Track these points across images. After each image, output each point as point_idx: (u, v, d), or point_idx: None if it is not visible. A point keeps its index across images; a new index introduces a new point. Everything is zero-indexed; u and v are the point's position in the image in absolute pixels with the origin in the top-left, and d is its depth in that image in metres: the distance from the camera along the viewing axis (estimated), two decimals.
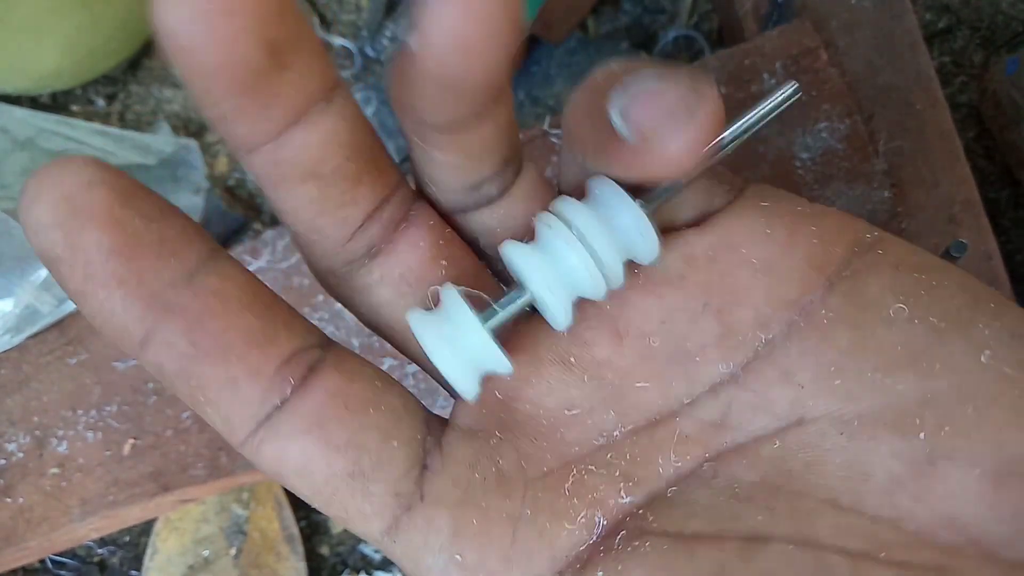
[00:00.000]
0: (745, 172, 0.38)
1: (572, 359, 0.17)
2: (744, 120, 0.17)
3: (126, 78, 0.55)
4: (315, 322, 0.41)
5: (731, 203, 0.17)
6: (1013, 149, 0.48)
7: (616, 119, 0.14)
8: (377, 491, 0.15)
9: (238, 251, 0.43)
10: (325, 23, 0.54)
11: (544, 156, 0.39)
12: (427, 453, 0.16)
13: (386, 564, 0.49)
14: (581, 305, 0.17)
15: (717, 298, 0.16)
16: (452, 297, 0.15)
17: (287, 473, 0.15)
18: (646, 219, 0.15)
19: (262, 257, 0.42)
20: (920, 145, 0.38)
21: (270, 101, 0.13)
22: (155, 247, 0.14)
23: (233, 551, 0.46)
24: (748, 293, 0.16)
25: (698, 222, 0.17)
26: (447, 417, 0.17)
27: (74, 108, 0.55)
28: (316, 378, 0.15)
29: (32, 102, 0.55)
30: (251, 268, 0.42)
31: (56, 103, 0.55)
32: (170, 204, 0.14)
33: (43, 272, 0.42)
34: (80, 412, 0.42)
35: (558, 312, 0.15)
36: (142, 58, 0.55)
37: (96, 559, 0.52)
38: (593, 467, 0.16)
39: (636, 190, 0.16)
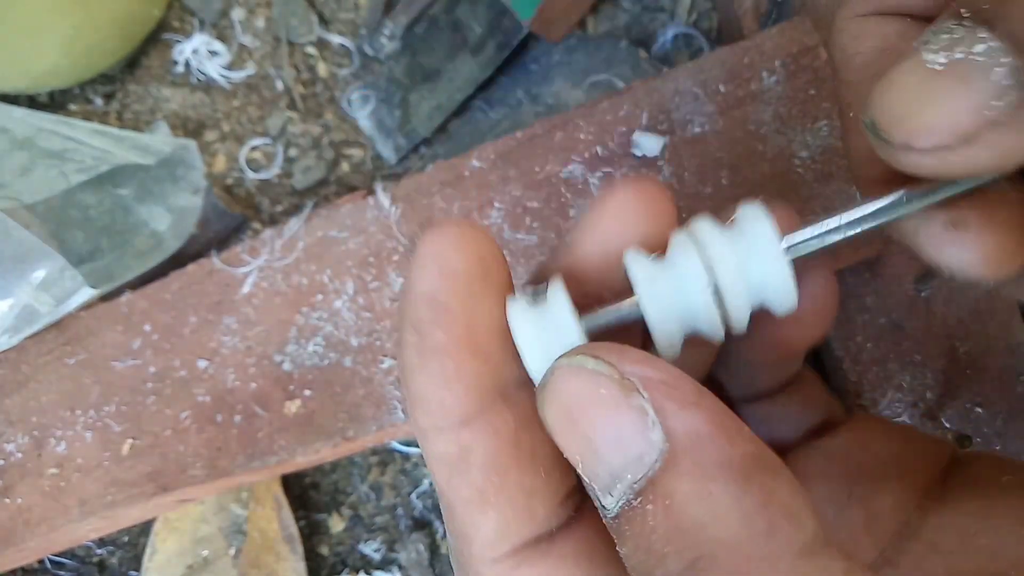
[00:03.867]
0: (744, 171, 0.38)
1: None
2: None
3: (124, 77, 0.55)
4: (314, 322, 0.41)
5: (849, 416, 0.19)
6: None
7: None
8: None
9: (237, 250, 0.42)
10: (323, 21, 0.54)
11: (543, 156, 0.39)
12: None
13: (386, 564, 0.49)
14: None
15: (859, 488, 0.17)
16: (556, 291, 0.15)
17: None
18: (788, 270, 0.14)
19: (261, 256, 0.42)
20: None
21: None
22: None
23: (232, 551, 0.46)
24: (885, 483, 0.18)
25: (822, 429, 0.19)
26: None
27: (72, 107, 0.55)
28: (583, 516, 0.15)
29: (30, 101, 0.54)
30: (250, 267, 0.42)
31: (54, 102, 0.55)
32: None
33: (41, 272, 0.42)
34: (79, 412, 0.42)
35: (663, 340, 0.15)
36: (140, 57, 0.55)
37: (95, 559, 0.51)
38: None
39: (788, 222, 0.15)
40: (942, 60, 0.12)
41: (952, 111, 0.12)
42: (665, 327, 0.15)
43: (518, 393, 0.15)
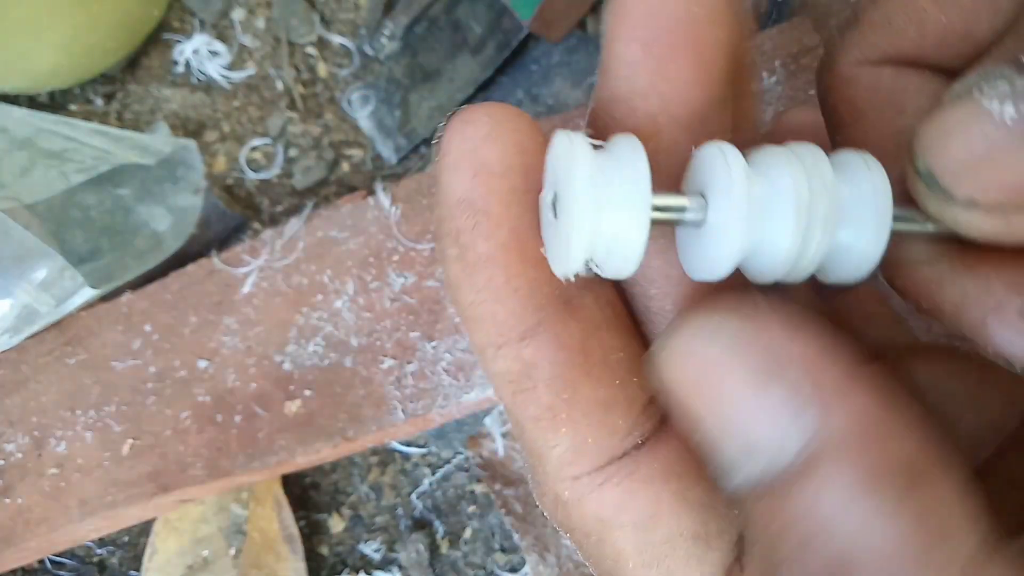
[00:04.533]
0: None
1: None
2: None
3: (124, 77, 0.55)
4: (314, 322, 0.41)
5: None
6: None
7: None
8: (712, 560, 0.13)
9: (237, 250, 0.42)
10: (324, 21, 0.54)
11: None
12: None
13: (386, 564, 0.49)
14: None
15: None
16: (631, 146, 0.12)
17: (620, 522, 0.13)
18: (883, 244, 0.12)
19: (261, 256, 0.42)
20: None
21: None
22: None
23: (232, 551, 0.46)
24: None
25: None
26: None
27: (72, 107, 0.55)
28: (666, 429, 0.14)
29: (30, 101, 0.54)
30: (250, 267, 0.42)
31: (54, 102, 0.55)
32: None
33: (42, 272, 0.42)
34: (79, 412, 0.42)
35: (720, 261, 0.12)
36: (140, 57, 0.55)
37: (95, 559, 0.51)
38: None
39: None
40: (1011, 113, 0.11)
41: (1015, 164, 0.11)
42: (732, 251, 0.12)
43: (581, 296, 0.13)
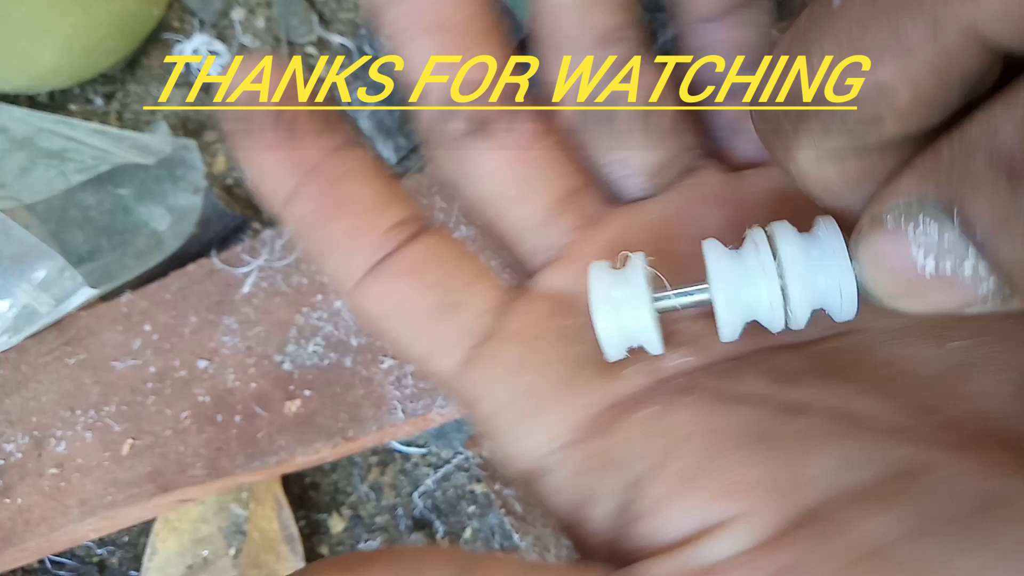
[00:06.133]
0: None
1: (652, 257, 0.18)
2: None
3: (124, 77, 0.55)
4: (314, 322, 0.41)
5: None
6: None
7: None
8: (461, 321, 0.17)
9: (237, 250, 0.42)
10: (324, 21, 0.54)
11: None
12: (512, 298, 0.18)
13: None
14: (668, 209, 0.18)
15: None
16: (635, 265, 0.16)
17: (386, 311, 0.18)
18: (854, 282, 0.15)
19: (261, 256, 0.42)
20: None
21: None
22: (309, 126, 0.17)
23: (232, 551, 0.46)
24: None
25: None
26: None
27: (72, 107, 0.55)
28: (419, 238, 0.18)
29: (30, 101, 0.54)
30: (250, 267, 0.42)
31: (54, 102, 0.55)
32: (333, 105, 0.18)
33: (42, 272, 0.42)
34: (79, 412, 0.42)
35: (726, 326, 0.16)
36: (140, 57, 0.55)
37: (95, 559, 0.51)
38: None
39: None
40: (931, 269, 0.12)
41: (940, 305, 0.13)
42: (730, 323, 0.16)
43: (331, 158, 0.18)
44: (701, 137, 0.19)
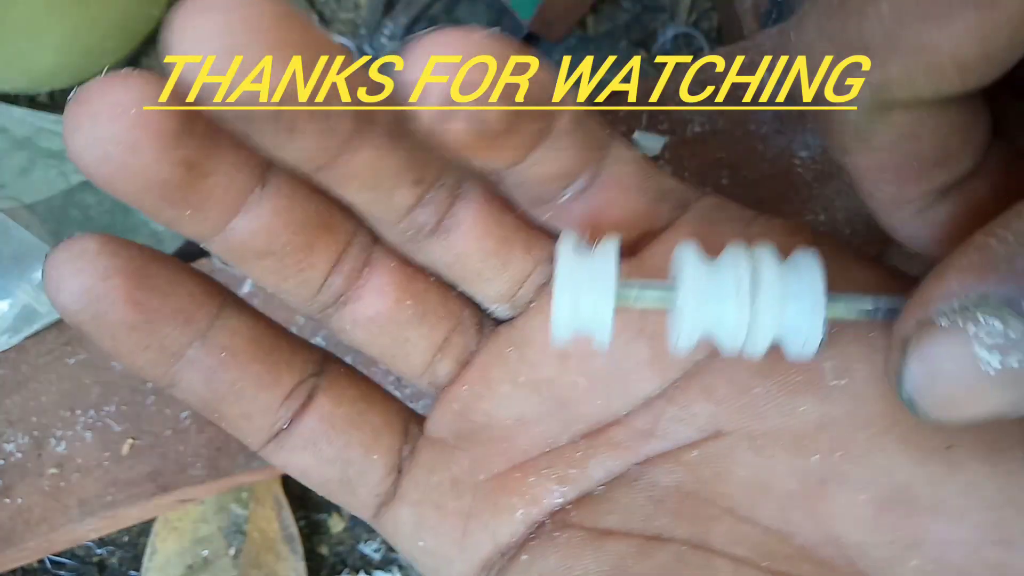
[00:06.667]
0: (744, 171, 0.38)
1: (521, 379, 0.18)
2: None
3: None
4: (313, 322, 0.41)
5: (675, 223, 0.18)
6: None
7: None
8: (361, 494, 0.19)
9: None
10: (324, 21, 0.54)
11: None
12: (403, 460, 0.19)
13: (386, 564, 0.49)
14: (532, 329, 0.18)
15: (650, 325, 0.18)
16: (607, 251, 0.15)
17: (295, 473, 0.18)
18: (821, 325, 0.14)
19: None
20: None
21: (202, 206, 0.15)
22: (171, 317, 0.16)
23: (232, 551, 0.46)
24: None
25: (640, 244, 0.18)
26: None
27: None
28: (312, 406, 0.18)
29: (30, 101, 0.54)
30: None
31: (54, 102, 0.55)
32: (184, 267, 0.17)
33: (41, 272, 0.42)
34: (79, 412, 0.42)
35: (683, 337, 0.15)
36: (140, 57, 0.55)
37: (95, 559, 0.51)
38: (535, 470, 0.18)
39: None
40: (996, 365, 0.12)
41: (996, 407, 0.12)
42: (687, 335, 0.15)
43: (201, 344, 0.17)
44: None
